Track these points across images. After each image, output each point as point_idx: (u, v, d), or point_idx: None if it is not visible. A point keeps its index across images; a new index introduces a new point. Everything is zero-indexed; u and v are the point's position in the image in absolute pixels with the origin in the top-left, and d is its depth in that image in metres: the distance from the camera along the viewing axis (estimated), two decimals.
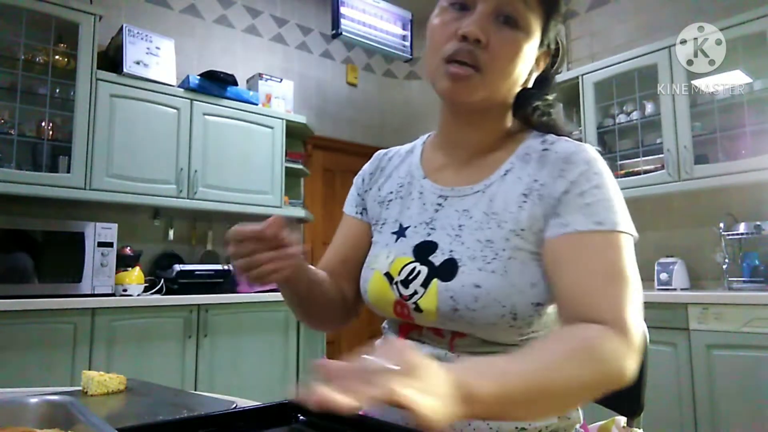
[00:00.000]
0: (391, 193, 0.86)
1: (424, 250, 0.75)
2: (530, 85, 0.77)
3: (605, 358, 0.57)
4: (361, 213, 0.92)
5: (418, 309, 0.72)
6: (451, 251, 0.72)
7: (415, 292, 0.73)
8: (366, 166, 0.95)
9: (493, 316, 0.67)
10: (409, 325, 0.77)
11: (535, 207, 0.71)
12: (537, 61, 0.76)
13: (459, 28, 0.69)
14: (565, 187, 0.69)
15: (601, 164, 0.71)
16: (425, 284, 0.72)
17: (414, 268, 0.74)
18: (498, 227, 0.71)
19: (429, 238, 0.76)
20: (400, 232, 0.80)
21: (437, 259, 0.73)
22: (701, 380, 2.34)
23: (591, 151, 0.72)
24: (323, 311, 0.87)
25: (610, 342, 0.58)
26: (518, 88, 0.76)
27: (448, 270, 0.71)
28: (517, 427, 0.68)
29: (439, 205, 0.78)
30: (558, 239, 0.67)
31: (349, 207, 0.93)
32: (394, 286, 0.75)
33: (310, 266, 0.83)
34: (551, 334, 0.66)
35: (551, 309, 0.70)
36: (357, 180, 0.95)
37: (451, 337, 0.72)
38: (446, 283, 0.70)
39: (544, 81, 0.80)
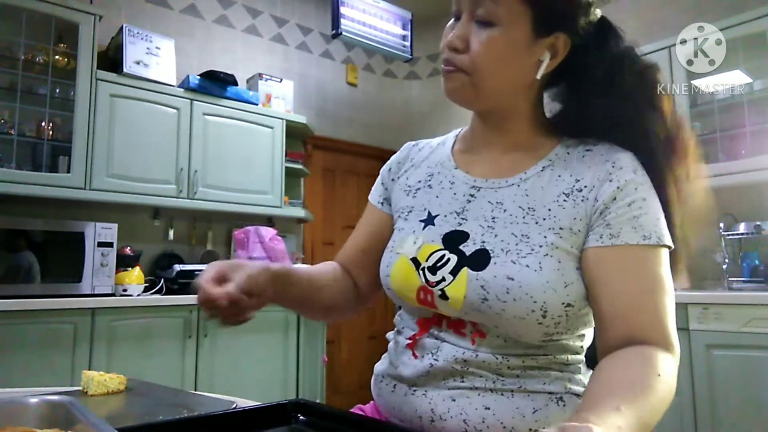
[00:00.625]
0: (419, 182, 0.86)
1: (454, 239, 0.74)
2: (538, 76, 0.73)
3: (671, 386, 0.60)
4: (382, 203, 0.91)
5: (443, 296, 0.71)
6: (483, 242, 0.72)
7: (443, 279, 0.72)
8: (394, 156, 0.95)
9: (523, 311, 0.66)
10: (429, 321, 0.76)
11: (577, 207, 0.71)
12: (553, 49, 0.73)
13: None
14: (613, 193, 0.69)
15: (644, 173, 0.72)
16: (454, 272, 0.71)
17: (443, 256, 0.73)
18: (536, 224, 0.71)
19: (460, 228, 0.75)
20: (429, 220, 0.79)
21: (468, 248, 0.72)
22: (701, 380, 2.34)
23: (634, 158, 0.73)
24: (325, 311, 0.88)
25: (671, 367, 0.62)
26: (525, 82, 0.75)
27: (479, 260, 0.70)
28: (531, 429, 0.68)
29: (472, 196, 0.78)
30: (605, 249, 0.68)
31: (373, 195, 0.93)
32: (421, 272, 0.74)
33: (304, 272, 0.83)
34: (626, 362, 0.61)
35: (581, 312, 0.70)
36: (383, 170, 0.94)
37: (473, 334, 0.72)
38: (477, 272, 0.69)
39: (583, 66, 0.75)
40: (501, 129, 0.79)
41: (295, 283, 0.79)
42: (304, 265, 0.89)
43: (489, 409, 0.68)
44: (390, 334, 0.87)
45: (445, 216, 0.78)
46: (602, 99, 0.75)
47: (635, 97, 0.74)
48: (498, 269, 0.68)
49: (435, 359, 0.73)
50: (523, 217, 0.72)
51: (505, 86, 0.75)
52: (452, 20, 0.76)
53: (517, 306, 0.66)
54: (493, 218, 0.74)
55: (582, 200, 0.71)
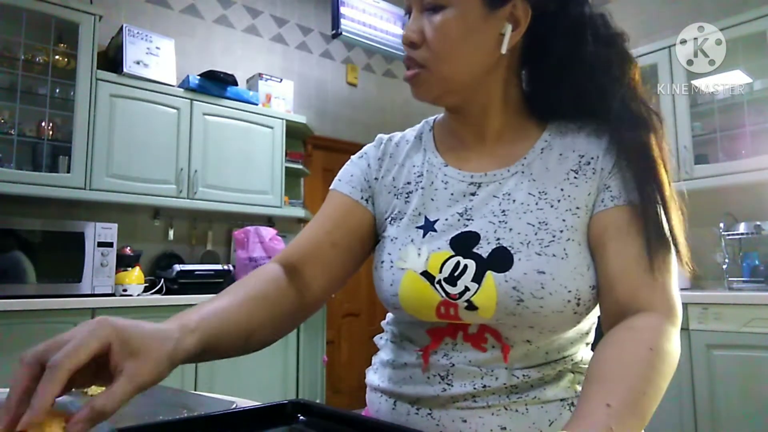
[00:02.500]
0: (409, 183, 0.77)
1: (464, 243, 0.68)
2: (503, 50, 0.68)
3: (671, 356, 0.58)
4: (366, 200, 0.79)
5: (470, 307, 0.65)
6: (498, 239, 0.66)
7: (467, 289, 0.65)
8: (370, 150, 0.84)
9: (560, 303, 0.63)
10: (443, 331, 0.69)
11: (589, 182, 0.68)
12: (513, 19, 0.68)
13: None
14: (614, 159, 0.68)
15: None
16: (477, 279, 0.65)
17: (458, 263, 0.67)
18: (551, 207, 0.67)
19: (467, 229, 0.69)
20: (428, 227, 0.72)
21: (483, 250, 0.66)
22: (701, 380, 2.34)
23: None
24: (244, 347, 0.66)
25: (670, 336, 0.59)
26: (491, 62, 0.69)
27: (501, 260, 0.65)
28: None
29: (473, 194, 0.71)
30: (608, 212, 0.66)
31: (350, 188, 0.80)
32: (437, 285, 0.67)
33: (223, 317, 0.61)
34: (618, 345, 0.58)
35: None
36: (360, 162, 0.83)
37: (496, 348, 0.67)
38: (504, 273, 0.64)
39: (544, 37, 0.70)
40: (478, 119, 0.74)
41: (212, 351, 0.60)
42: (229, 303, 0.62)
43: (505, 429, 0.65)
44: (380, 340, 0.82)
45: (447, 219, 0.71)
46: (565, 73, 0.70)
47: (601, 69, 0.68)
48: (526, 265, 0.64)
49: (448, 384, 0.67)
50: (536, 203, 0.68)
51: (471, 69, 0.69)
52: (406, 17, 0.73)
53: (554, 300, 0.62)
54: (503, 212, 0.68)
55: (592, 173, 0.68)
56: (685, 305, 2.66)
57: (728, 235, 2.70)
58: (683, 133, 2.78)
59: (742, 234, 2.66)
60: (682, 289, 2.70)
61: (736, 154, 2.70)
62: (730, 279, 2.67)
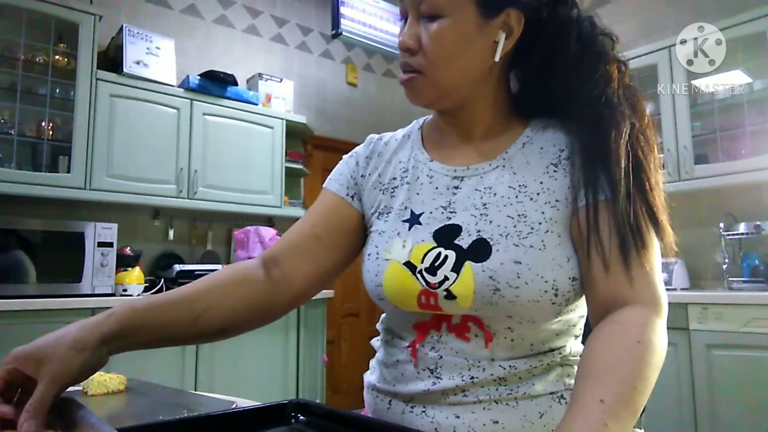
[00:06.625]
0: (395, 179, 0.80)
1: (446, 235, 0.70)
2: (497, 58, 0.69)
3: (658, 348, 0.59)
4: (352, 197, 0.82)
5: (449, 296, 0.67)
6: (478, 231, 0.68)
7: (446, 278, 0.67)
8: (360, 149, 0.87)
9: (536, 293, 0.64)
10: (427, 324, 0.71)
11: (568, 176, 0.69)
12: (507, 28, 0.69)
13: None
14: (582, 158, 0.69)
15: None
16: (456, 269, 0.67)
17: (439, 254, 0.68)
18: (530, 200, 0.69)
19: (450, 222, 0.71)
20: (413, 220, 0.74)
21: (464, 241, 0.68)
22: (701, 380, 2.34)
23: None
24: (214, 334, 0.75)
25: (656, 327, 0.60)
26: (485, 68, 0.71)
27: (480, 250, 0.67)
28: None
29: (456, 187, 0.73)
30: (585, 209, 0.66)
31: (337, 185, 0.84)
32: (418, 275, 0.69)
33: (167, 301, 0.69)
34: (606, 340, 0.59)
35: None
36: (349, 161, 0.86)
37: (479, 337, 0.68)
38: (482, 263, 0.66)
39: (532, 40, 0.72)
40: (467, 120, 0.76)
41: (144, 329, 0.65)
42: (174, 291, 0.71)
43: (498, 422, 0.66)
44: (376, 342, 0.83)
45: (431, 212, 0.73)
46: (548, 74, 0.72)
47: (572, 68, 0.69)
48: (503, 255, 0.65)
49: (437, 377, 0.69)
50: (516, 196, 0.69)
51: (466, 76, 0.71)
52: (401, 21, 0.74)
53: (530, 289, 0.64)
54: (484, 204, 0.70)
55: (571, 167, 0.69)
56: (684, 305, 2.67)
57: (728, 235, 2.70)
58: (683, 133, 2.78)
59: (742, 234, 2.66)
60: (682, 289, 2.69)
61: (736, 154, 2.70)
62: (730, 279, 2.67)
